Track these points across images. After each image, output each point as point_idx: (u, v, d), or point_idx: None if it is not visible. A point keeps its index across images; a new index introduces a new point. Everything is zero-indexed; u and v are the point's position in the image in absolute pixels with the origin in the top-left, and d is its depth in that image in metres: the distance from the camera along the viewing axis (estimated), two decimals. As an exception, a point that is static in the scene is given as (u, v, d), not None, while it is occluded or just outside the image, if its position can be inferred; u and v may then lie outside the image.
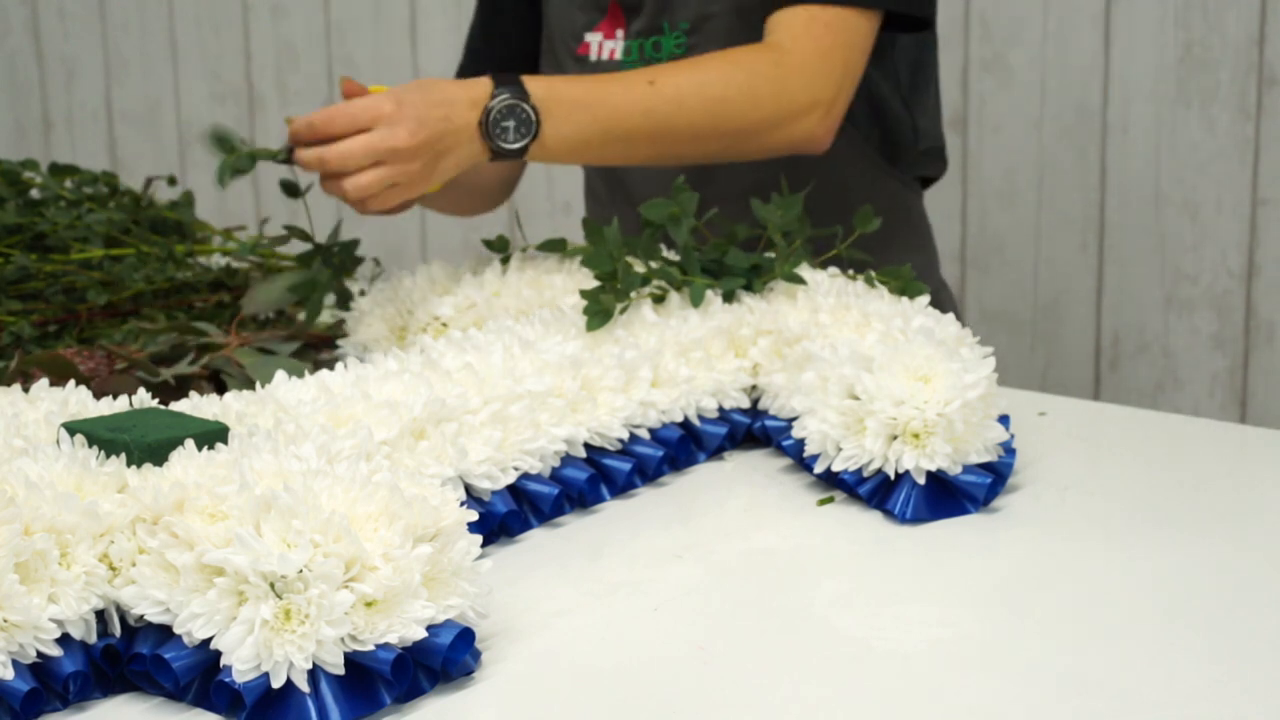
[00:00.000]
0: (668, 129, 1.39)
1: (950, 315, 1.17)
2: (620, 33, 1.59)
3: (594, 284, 1.19)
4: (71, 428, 0.89)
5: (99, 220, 1.46)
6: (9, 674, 0.75)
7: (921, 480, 1.02)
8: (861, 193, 1.59)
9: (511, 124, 1.33)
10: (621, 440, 1.10)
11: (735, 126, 1.41)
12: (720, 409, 1.17)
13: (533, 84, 1.35)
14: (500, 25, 1.72)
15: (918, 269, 1.62)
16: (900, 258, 1.56)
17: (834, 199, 1.55)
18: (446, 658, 0.79)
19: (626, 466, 1.08)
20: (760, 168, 1.53)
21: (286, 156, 1.34)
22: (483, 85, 1.34)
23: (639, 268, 1.24)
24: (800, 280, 1.21)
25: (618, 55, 1.59)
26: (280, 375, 1.04)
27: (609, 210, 1.66)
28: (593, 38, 1.60)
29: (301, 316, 1.40)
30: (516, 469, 1.02)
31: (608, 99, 1.38)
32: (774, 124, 1.43)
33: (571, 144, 1.37)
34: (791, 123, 1.43)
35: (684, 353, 1.16)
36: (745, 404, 1.18)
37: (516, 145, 1.34)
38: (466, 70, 1.75)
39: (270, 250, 1.66)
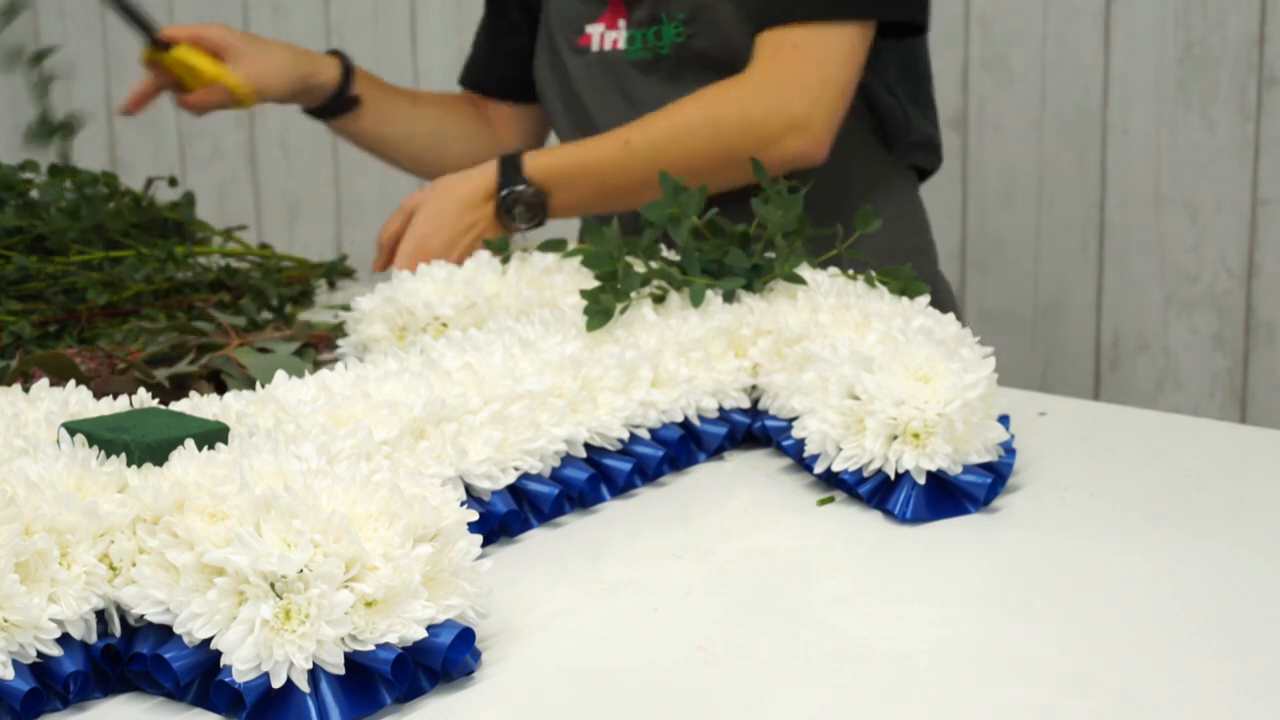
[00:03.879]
0: (654, 182, 1.47)
1: (950, 315, 1.17)
2: (622, 23, 1.61)
3: (594, 284, 1.19)
4: (71, 428, 0.89)
5: (98, 224, 1.47)
6: (9, 674, 0.75)
7: (921, 480, 1.02)
8: (861, 177, 1.60)
9: (521, 208, 1.51)
10: (621, 440, 1.10)
11: (715, 163, 1.49)
12: (720, 409, 1.17)
13: (531, 163, 1.50)
14: (508, 19, 1.75)
15: (914, 258, 1.63)
16: (897, 245, 1.57)
17: (834, 183, 1.56)
18: (446, 658, 0.79)
19: (626, 466, 1.08)
20: None
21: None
22: (489, 175, 1.50)
23: (639, 268, 1.24)
24: (800, 280, 1.21)
25: (620, 45, 1.61)
26: (280, 375, 1.04)
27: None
28: (594, 29, 1.62)
29: (301, 316, 1.40)
30: (516, 469, 1.02)
31: (594, 164, 1.52)
32: (752, 151, 1.49)
33: (575, 209, 1.53)
34: (769, 148, 1.50)
35: (684, 353, 1.15)
36: (745, 404, 1.18)
37: (531, 222, 1.52)
38: (474, 64, 1.80)
39: (270, 251, 1.66)
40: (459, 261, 1.46)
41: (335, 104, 1.73)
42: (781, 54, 1.50)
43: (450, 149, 1.82)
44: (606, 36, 1.62)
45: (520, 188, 1.48)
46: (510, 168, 1.50)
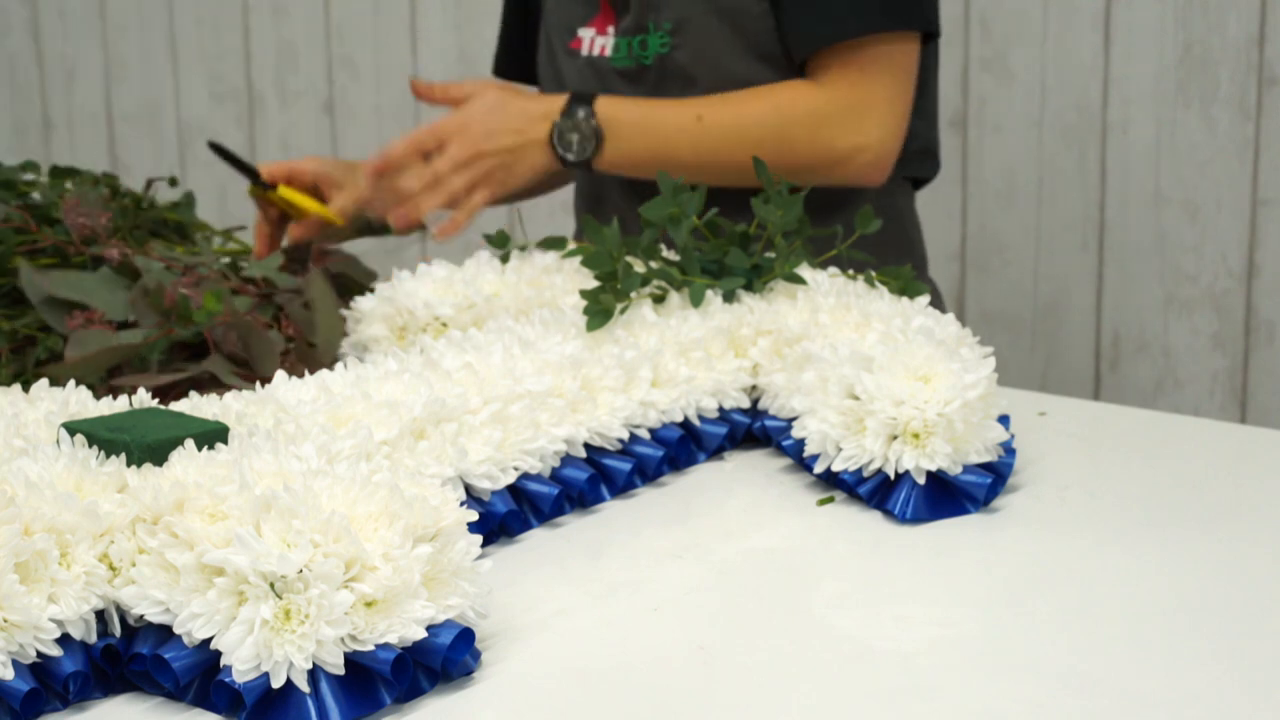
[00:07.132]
0: (711, 164, 1.48)
1: (950, 315, 1.17)
2: (611, 29, 1.61)
3: (594, 284, 1.19)
4: (71, 428, 0.89)
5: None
6: (9, 674, 0.75)
7: (921, 480, 1.02)
8: (845, 188, 1.60)
9: (576, 138, 1.48)
10: (621, 440, 1.10)
11: (776, 162, 1.47)
12: (720, 409, 1.17)
13: (601, 103, 1.49)
14: (527, 19, 1.77)
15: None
16: (884, 256, 1.57)
17: (825, 191, 1.56)
18: (446, 658, 0.79)
19: (626, 466, 1.08)
20: None
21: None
22: (558, 101, 1.49)
23: (639, 268, 1.24)
24: (800, 280, 1.21)
25: (608, 52, 1.61)
26: (280, 375, 1.04)
27: (603, 206, 1.68)
28: (585, 33, 1.63)
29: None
30: (516, 469, 1.02)
31: (661, 127, 1.50)
32: (813, 168, 1.50)
33: (624, 163, 1.50)
34: (833, 169, 1.51)
35: (684, 353, 1.16)
36: (745, 404, 1.18)
37: (579, 159, 1.49)
38: (500, 54, 1.81)
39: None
40: (494, 188, 1.48)
41: None
42: (850, 76, 1.50)
43: None
44: (596, 42, 1.63)
45: (581, 115, 1.47)
46: (580, 100, 1.49)
